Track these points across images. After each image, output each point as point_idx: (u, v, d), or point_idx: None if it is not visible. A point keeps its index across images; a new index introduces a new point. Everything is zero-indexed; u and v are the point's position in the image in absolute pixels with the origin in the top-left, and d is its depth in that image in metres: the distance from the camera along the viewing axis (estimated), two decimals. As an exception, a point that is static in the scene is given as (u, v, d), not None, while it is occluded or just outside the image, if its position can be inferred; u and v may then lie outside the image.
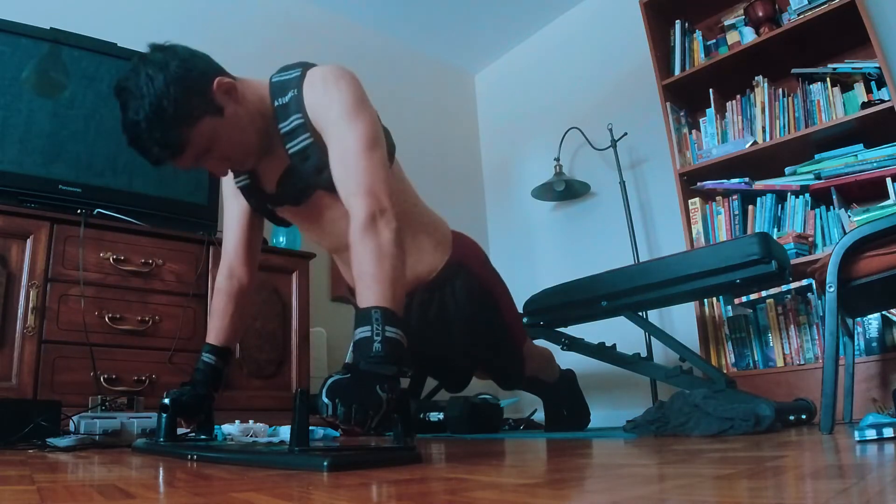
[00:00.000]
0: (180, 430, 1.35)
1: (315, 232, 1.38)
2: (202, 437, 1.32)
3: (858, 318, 2.05)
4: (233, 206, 1.40)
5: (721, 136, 2.61)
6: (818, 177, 2.27)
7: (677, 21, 2.80)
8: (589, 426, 2.12)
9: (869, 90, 2.25)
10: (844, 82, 2.32)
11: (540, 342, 2.34)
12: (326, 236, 1.37)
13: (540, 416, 2.39)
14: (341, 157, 1.09)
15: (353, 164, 1.07)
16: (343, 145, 1.09)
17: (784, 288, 2.26)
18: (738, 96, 2.59)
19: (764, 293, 2.33)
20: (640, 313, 2.08)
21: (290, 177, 1.23)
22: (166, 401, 1.22)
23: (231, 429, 1.60)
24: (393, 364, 0.89)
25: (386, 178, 1.08)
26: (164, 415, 1.22)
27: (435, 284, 1.48)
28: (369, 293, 0.94)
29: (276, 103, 1.18)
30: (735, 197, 2.52)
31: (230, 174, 1.33)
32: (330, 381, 0.84)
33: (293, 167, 1.21)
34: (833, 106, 2.29)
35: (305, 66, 1.22)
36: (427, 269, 1.46)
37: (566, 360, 2.23)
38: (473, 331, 1.54)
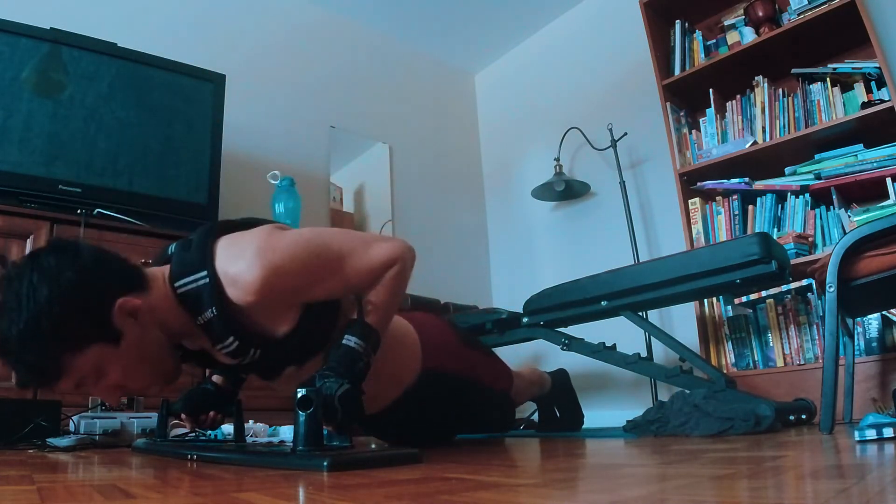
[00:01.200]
0: (180, 430, 1.34)
1: (274, 387, 1.23)
2: (206, 434, 1.31)
3: (858, 318, 2.05)
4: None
5: (721, 136, 2.61)
6: (818, 177, 2.27)
7: (677, 21, 2.80)
8: (589, 426, 2.12)
9: (869, 90, 2.25)
10: (844, 82, 2.32)
11: (540, 342, 2.35)
12: (285, 391, 1.20)
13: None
14: (364, 275, 1.08)
15: (367, 273, 1.09)
16: (358, 268, 1.07)
17: (784, 288, 2.26)
18: (738, 96, 2.59)
19: (764, 293, 2.33)
20: (640, 313, 2.08)
21: (257, 363, 1.08)
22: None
23: (231, 429, 1.60)
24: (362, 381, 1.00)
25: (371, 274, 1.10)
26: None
27: (413, 396, 1.35)
28: (378, 317, 1.07)
29: (198, 322, 0.98)
30: (735, 197, 2.52)
31: None
32: (343, 391, 0.90)
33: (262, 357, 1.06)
34: (833, 106, 2.29)
35: (208, 261, 0.97)
36: (403, 387, 1.33)
37: (566, 360, 2.23)
38: (459, 415, 1.51)
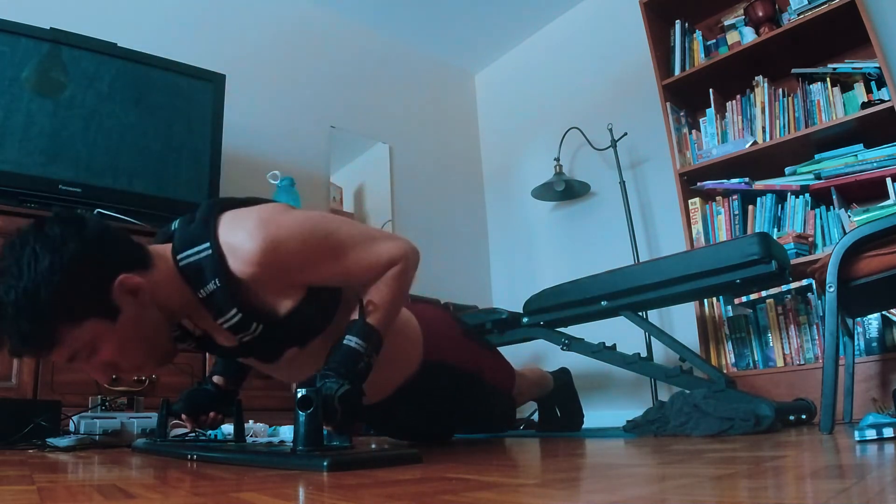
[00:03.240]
0: (180, 430, 1.34)
1: (273, 372, 1.26)
2: (207, 434, 1.32)
3: (858, 318, 2.05)
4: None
5: (721, 136, 2.61)
6: (818, 177, 2.27)
7: (677, 21, 2.80)
8: (589, 426, 2.12)
9: (869, 90, 2.25)
10: (844, 82, 2.32)
11: (540, 342, 2.35)
12: (284, 376, 1.29)
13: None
14: (362, 273, 1.08)
15: (373, 269, 1.09)
16: (361, 265, 1.07)
17: (784, 288, 2.26)
18: (738, 96, 2.59)
19: (764, 293, 2.33)
20: (640, 313, 2.08)
21: (258, 342, 1.06)
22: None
23: (231, 429, 1.60)
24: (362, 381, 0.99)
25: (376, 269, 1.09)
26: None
27: (413, 387, 1.35)
28: (380, 317, 1.04)
29: (200, 295, 0.98)
30: (735, 197, 2.52)
31: None
32: (343, 392, 0.89)
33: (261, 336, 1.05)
34: (833, 106, 2.29)
35: (211, 233, 0.97)
36: (404, 376, 1.33)
37: (566, 360, 2.23)
38: (459, 409, 1.51)
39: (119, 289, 0.90)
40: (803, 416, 1.79)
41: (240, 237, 0.95)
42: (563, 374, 2.05)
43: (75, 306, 0.87)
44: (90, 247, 0.88)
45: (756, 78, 2.53)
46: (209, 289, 0.96)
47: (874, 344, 2.05)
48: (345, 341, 1.00)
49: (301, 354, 1.11)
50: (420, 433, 1.57)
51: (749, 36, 2.55)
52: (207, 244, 0.96)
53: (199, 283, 0.96)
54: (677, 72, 2.73)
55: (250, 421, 1.68)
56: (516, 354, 2.70)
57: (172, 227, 1.05)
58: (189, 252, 0.97)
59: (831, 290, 1.41)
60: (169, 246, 1.00)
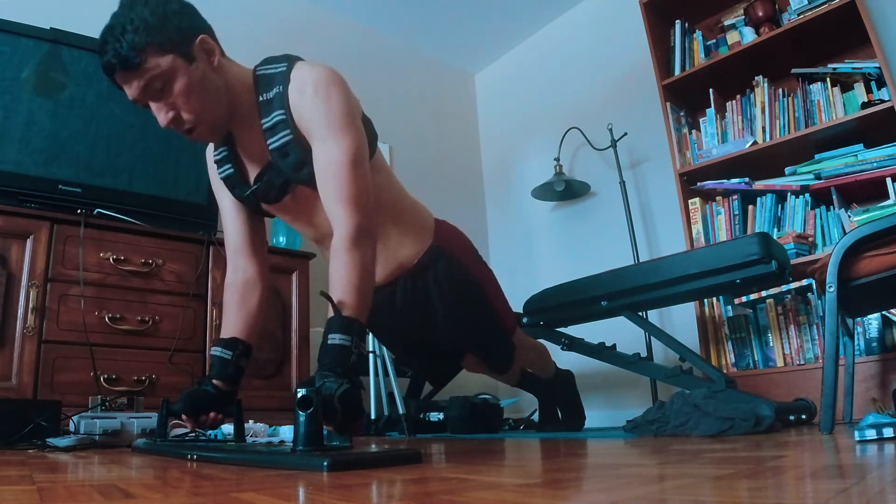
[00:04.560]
0: (180, 430, 1.34)
1: (298, 224, 1.39)
2: (207, 434, 1.31)
3: (858, 318, 2.05)
4: (224, 201, 1.39)
5: (721, 136, 2.61)
6: (818, 177, 2.27)
7: (677, 21, 2.80)
8: (589, 426, 2.12)
9: (869, 90, 2.25)
10: (844, 82, 2.32)
11: (540, 342, 2.35)
12: (310, 228, 1.38)
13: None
14: (327, 168, 1.13)
15: (339, 176, 1.12)
16: (330, 157, 1.13)
17: (784, 288, 2.26)
18: (738, 96, 2.59)
19: (764, 293, 2.33)
20: (640, 313, 2.08)
21: (269, 172, 1.25)
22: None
23: (231, 429, 1.60)
24: (358, 377, 1.02)
25: (370, 191, 1.14)
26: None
27: (417, 270, 1.48)
28: (352, 302, 1.03)
29: (261, 98, 1.20)
30: (735, 197, 2.52)
31: (214, 166, 1.36)
32: (342, 391, 0.90)
33: (273, 163, 1.23)
34: (833, 106, 2.29)
35: (291, 61, 1.21)
36: (409, 256, 1.47)
37: (566, 360, 2.23)
38: (458, 313, 1.54)
39: (199, 44, 1.14)
40: (803, 416, 1.79)
41: (306, 70, 1.19)
42: (566, 374, 2.05)
43: (165, 39, 1.09)
44: (187, 8, 1.16)
45: (756, 78, 2.53)
46: (271, 94, 1.18)
47: (874, 344, 2.05)
48: (329, 341, 1.00)
49: (315, 201, 1.23)
50: (422, 350, 1.58)
51: (749, 36, 2.55)
52: (285, 64, 1.20)
53: (265, 89, 1.19)
54: (677, 72, 2.73)
55: (250, 421, 1.68)
56: (516, 354, 2.70)
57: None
58: (267, 66, 1.23)
59: (831, 290, 1.41)
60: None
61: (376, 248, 1.15)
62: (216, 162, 1.35)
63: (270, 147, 1.20)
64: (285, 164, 1.21)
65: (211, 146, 1.38)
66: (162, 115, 1.14)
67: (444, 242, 1.53)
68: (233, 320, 1.34)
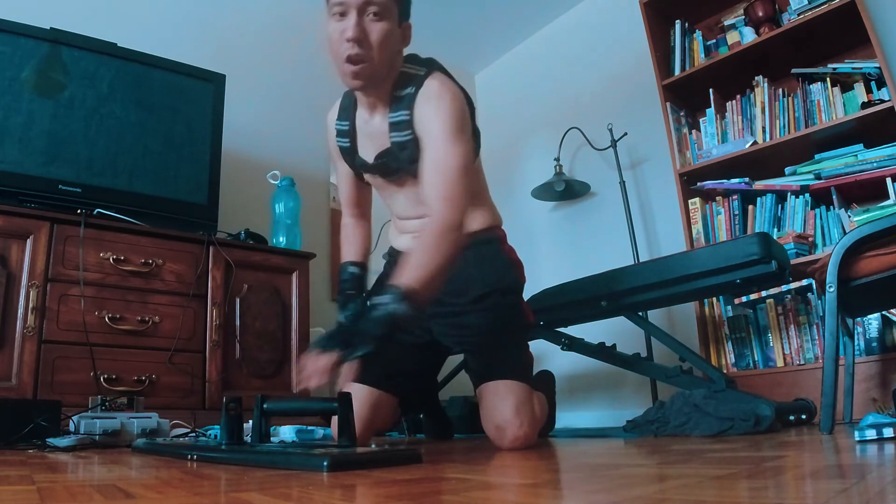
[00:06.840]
0: (180, 431, 1.34)
1: (389, 199, 1.58)
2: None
3: (858, 318, 2.05)
4: (340, 168, 1.61)
5: (721, 136, 2.61)
6: (818, 177, 2.27)
7: (677, 21, 2.80)
8: (589, 426, 2.12)
9: (869, 90, 2.25)
10: (844, 82, 2.32)
11: (540, 342, 2.35)
12: (397, 205, 1.56)
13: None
14: (437, 168, 1.29)
15: (449, 178, 1.27)
16: (442, 162, 1.29)
17: (784, 288, 2.26)
18: (738, 96, 2.59)
19: (764, 293, 2.33)
20: (640, 313, 2.08)
21: (388, 157, 1.43)
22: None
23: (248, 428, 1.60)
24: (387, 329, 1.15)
25: (469, 195, 1.31)
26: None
27: (469, 242, 1.48)
28: (420, 274, 1.19)
29: (395, 93, 1.36)
30: (735, 197, 2.52)
31: (333, 133, 1.54)
32: (383, 312, 1.12)
33: (391, 151, 1.40)
34: (833, 106, 2.29)
35: (430, 69, 1.38)
36: (470, 225, 1.52)
37: (566, 359, 2.23)
38: (487, 291, 1.49)
39: (407, 24, 1.38)
40: (803, 416, 1.79)
41: (436, 84, 1.34)
42: (546, 374, 1.99)
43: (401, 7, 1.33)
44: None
45: (756, 78, 2.53)
46: (403, 93, 1.35)
47: (874, 344, 2.05)
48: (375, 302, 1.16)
49: (412, 187, 1.43)
50: (454, 333, 1.54)
51: (749, 36, 2.55)
52: (425, 69, 1.37)
53: (401, 86, 1.36)
54: (677, 72, 2.73)
55: (250, 421, 1.68)
56: (516, 354, 2.70)
57: None
58: (409, 66, 1.39)
59: (831, 290, 1.41)
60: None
61: (459, 247, 1.27)
62: (337, 132, 1.52)
63: (392, 140, 1.38)
64: (402, 155, 1.38)
65: (333, 112, 1.56)
66: (356, 30, 1.27)
67: (499, 230, 1.68)
68: (353, 247, 1.62)
